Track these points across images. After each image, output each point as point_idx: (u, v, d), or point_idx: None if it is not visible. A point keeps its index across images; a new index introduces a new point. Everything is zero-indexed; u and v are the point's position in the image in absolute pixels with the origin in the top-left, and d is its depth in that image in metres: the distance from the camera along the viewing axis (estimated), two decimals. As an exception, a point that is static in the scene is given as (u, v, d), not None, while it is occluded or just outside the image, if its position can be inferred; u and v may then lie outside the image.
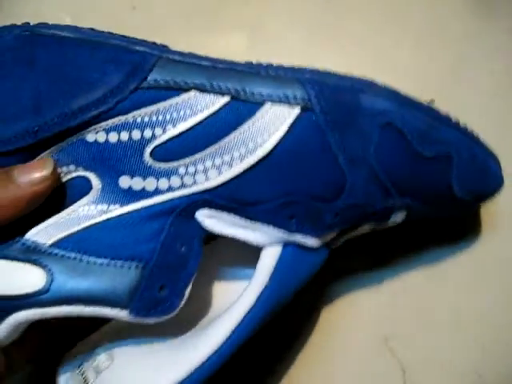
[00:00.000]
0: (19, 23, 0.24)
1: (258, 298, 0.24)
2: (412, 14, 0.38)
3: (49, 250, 0.23)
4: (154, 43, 0.24)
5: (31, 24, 0.24)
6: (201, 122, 0.23)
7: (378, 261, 0.32)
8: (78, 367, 0.25)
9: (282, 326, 0.30)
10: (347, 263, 0.32)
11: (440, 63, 0.37)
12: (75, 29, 0.24)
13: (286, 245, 0.25)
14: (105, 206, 0.24)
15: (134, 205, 0.24)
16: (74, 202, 0.24)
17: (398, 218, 0.27)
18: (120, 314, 0.23)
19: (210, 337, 0.24)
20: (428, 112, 0.25)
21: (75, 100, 0.22)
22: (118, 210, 0.24)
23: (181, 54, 0.24)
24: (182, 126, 0.23)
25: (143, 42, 0.24)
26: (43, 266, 0.22)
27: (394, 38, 0.38)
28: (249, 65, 0.24)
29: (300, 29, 0.38)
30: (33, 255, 0.23)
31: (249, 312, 0.24)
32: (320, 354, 0.31)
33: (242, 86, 0.23)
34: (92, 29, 0.24)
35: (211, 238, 0.26)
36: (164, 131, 0.23)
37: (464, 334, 0.31)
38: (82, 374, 0.24)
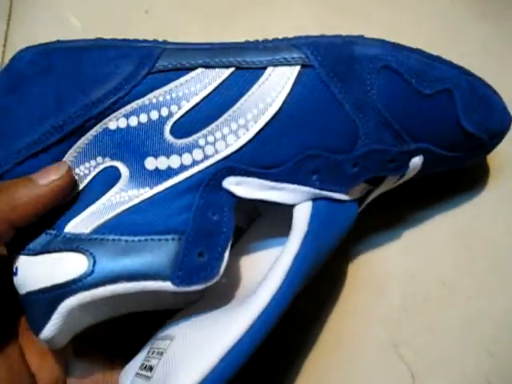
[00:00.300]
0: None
1: (298, 253, 0.24)
2: (422, 22, 0.38)
3: (88, 237, 0.23)
4: (155, 40, 0.26)
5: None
6: (211, 93, 0.25)
7: (385, 266, 0.32)
8: (140, 368, 0.25)
9: (291, 331, 0.30)
10: (355, 267, 0.32)
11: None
12: (84, 40, 0.26)
13: (316, 199, 0.26)
14: (135, 191, 0.25)
15: (162, 185, 0.25)
16: (106, 192, 0.25)
17: (416, 163, 0.28)
18: (164, 285, 0.23)
19: (258, 296, 0.23)
20: (419, 52, 0.27)
21: (93, 92, 0.24)
22: (148, 193, 0.25)
23: (182, 43, 0.26)
24: (195, 100, 0.25)
25: (146, 40, 0.26)
26: (84, 251, 0.23)
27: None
28: (247, 42, 0.27)
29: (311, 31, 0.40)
30: (73, 244, 0.23)
31: (292, 266, 0.24)
32: (329, 360, 0.30)
33: (243, 58, 0.25)
34: (99, 38, 0.26)
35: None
36: (179, 107, 0.25)
37: (474, 340, 0.31)
38: (147, 369, 0.24)
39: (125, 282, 0.23)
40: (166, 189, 0.25)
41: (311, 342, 0.31)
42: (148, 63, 0.25)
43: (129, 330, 0.29)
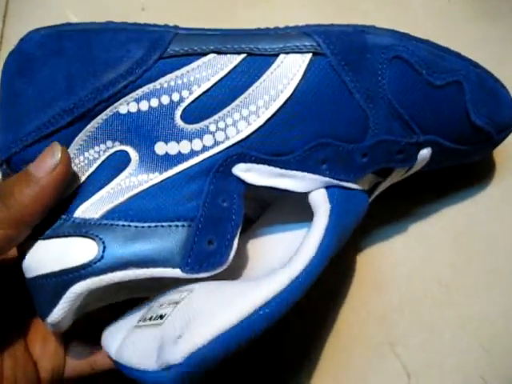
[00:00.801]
0: (35, 24, 0.26)
1: (324, 237, 0.23)
2: (419, 20, 0.39)
3: (98, 222, 0.23)
4: (167, 25, 0.26)
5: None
6: (223, 79, 0.25)
7: (382, 265, 0.33)
8: (141, 321, 0.24)
9: (286, 330, 0.30)
10: (352, 266, 0.33)
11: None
12: (95, 22, 0.26)
13: (328, 186, 0.26)
14: (145, 176, 0.24)
15: (172, 170, 0.25)
16: (116, 176, 0.24)
17: (425, 155, 0.28)
18: (173, 272, 0.23)
19: (298, 257, 0.22)
20: (429, 43, 0.27)
21: (104, 75, 0.24)
22: (157, 178, 0.24)
23: (194, 28, 0.26)
24: (207, 85, 0.25)
25: (157, 25, 0.26)
26: (94, 237, 0.23)
27: None
28: (258, 29, 0.26)
29: None
30: (83, 229, 0.23)
31: (318, 248, 0.23)
32: (325, 357, 0.31)
33: (255, 44, 0.25)
34: (110, 21, 0.26)
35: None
36: (190, 92, 0.24)
37: (470, 339, 0.31)
38: (154, 318, 0.23)
39: (134, 269, 0.23)
40: (176, 174, 0.24)
41: (307, 340, 0.31)
42: (159, 48, 0.25)
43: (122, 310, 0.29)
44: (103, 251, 0.23)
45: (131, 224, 0.23)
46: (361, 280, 0.32)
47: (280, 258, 0.25)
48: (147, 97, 0.24)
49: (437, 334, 0.31)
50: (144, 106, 0.24)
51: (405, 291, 0.32)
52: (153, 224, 0.23)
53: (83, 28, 0.25)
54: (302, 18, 0.38)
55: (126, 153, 0.25)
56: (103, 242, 0.23)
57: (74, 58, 0.24)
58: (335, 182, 0.26)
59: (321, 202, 0.25)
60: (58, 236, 0.23)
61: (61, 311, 0.23)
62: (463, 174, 0.34)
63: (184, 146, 0.25)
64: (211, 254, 0.23)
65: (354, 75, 0.25)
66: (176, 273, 0.23)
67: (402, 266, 0.32)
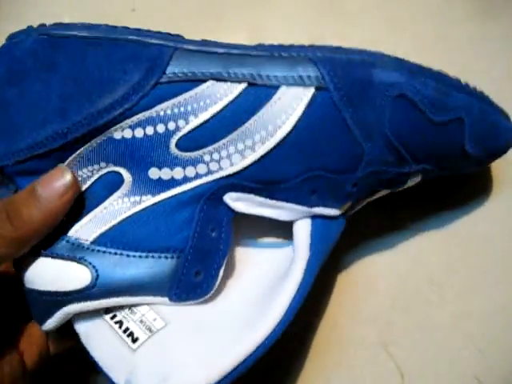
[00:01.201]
0: (27, 25, 0.24)
1: (305, 271, 0.25)
2: (410, 19, 0.38)
3: (91, 247, 0.24)
4: (169, 34, 0.25)
5: (47, 25, 0.24)
6: (221, 111, 0.24)
7: (373, 265, 0.33)
8: (106, 313, 0.25)
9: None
10: (344, 267, 0.33)
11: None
12: (90, 26, 0.24)
13: (314, 217, 0.26)
14: (137, 198, 0.25)
15: (165, 193, 0.25)
16: (109, 196, 0.25)
17: (414, 181, 0.29)
18: (161, 300, 0.25)
19: (268, 317, 0.24)
20: (438, 78, 0.26)
21: (100, 100, 0.23)
22: (150, 200, 0.25)
23: (195, 42, 0.25)
24: (204, 116, 0.24)
25: (158, 34, 0.25)
26: (88, 264, 0.24)
27: (392, 42, 0.38)
28: (261, 47, 0.25)
29: (300, 31, 0.39)
30: (77, 253, 0.24)
31: (300, 286, 0.25)
32: (318, 359, 0.31)
33: (257, 70, 0.24)
34: (106, 25, 0.25)
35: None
36: (187, 122, 0.24)
37: (463, 338, 0.31)
38: (116, 322, 0.25)
39: (125, 297, 0.24)
40: (168, 198, 0.25)
41: (300, 342, 0.31)
42: (157, 70, 0.24)
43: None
44: (96, 279, 0.24)
45: (123, 252, 0.24)
46: (353, 281, 0.33)
47: (257, 283, 0.27)
48: (142, 124, 0.24)
49: (430, 333, 0.31)
50: (139, 133, 0.24)
51: (397, 291, 0.32)
52: (144, 254, 0.24)
53: (78, 35, 0.24)
54: (292, 18, 0.39)
55: (119, 174, 0.25)
56: (96, 270, 0.24)
57: (68, 75, 0.24)
58: (320, 209, 0.26)
59: (302, 243, 0.26)
60: (54, 256, 0.24)
61: (55, 322, 0.25)
62: (456, 177, 0.34)
63: (177, 173, 0.25)
64: (198, 284, 0.25)
65: (354, 111, 0.25)
66: (164, 301, 0.25)
67: (394, 266, 0.33)
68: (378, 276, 0.33)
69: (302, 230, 0.26)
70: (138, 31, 0.25)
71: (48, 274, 0.24)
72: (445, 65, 0.34)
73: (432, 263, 0.33)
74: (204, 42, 0.25)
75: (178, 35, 0.25)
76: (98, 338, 0.25)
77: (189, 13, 0.39)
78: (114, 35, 0.24)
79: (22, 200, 0.23)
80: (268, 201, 0.26)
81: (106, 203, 0.25)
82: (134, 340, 0.24)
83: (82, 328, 0.25)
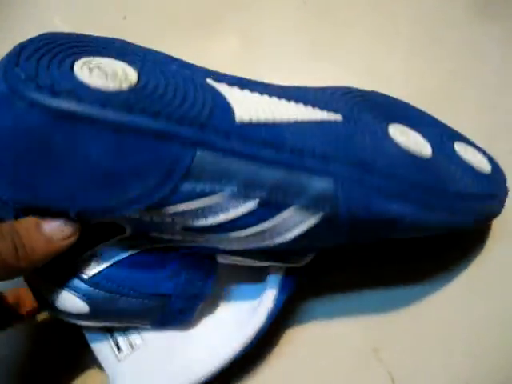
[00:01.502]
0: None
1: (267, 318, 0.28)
2: (404, 24, 0.39)
3: (88, 282, 0.25)
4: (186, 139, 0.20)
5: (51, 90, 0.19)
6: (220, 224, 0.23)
7: (364, 273, 0.32)
8: (108, 331, 0.28)
9: (269, 336, 0.29)
10: (333, 276, 0.32)
11: (434, 74, 0.37)
12: (103, 102, 0.19)
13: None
14: (133, 242, 0.25)
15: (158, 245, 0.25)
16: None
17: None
18: (144, 326, 0.28)
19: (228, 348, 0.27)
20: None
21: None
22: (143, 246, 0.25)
23: (224, 137, 0.21)
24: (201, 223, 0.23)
25: (175, 136, 0.20)
26: (85, 300, 0.25)
27: (387, 46, 0.38)
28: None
29: (293, 36, 0.39)
30: (75, 285, 0.25)
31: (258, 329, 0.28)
32: (309, 365, 0.30)
33: (278, 185, 0.22)
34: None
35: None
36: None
37: (454, 344, 0.30)
38: (114, 341, 0.28)
39: (116, 322, 0.27)
40: (159, 248, 0.25)
41: (290, 346, 0.31)
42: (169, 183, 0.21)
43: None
44: (89, 311, 0.25)
45: (117, 293, 0.25)
46: (343, 283, 0.32)
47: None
48: None
49: (421, 338, 0.31)
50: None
51: (387, 297, 0.31)
52: (135, 294, 0.26)
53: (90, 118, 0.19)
54: (290, 22, 0.40)
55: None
56: (90, 304, 0.25)
57: (79, 173, 0.20)
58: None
59: (269, 297, 0.28)
60: (54, 284, 0.25)
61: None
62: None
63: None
64: (179, 319, 0.27)
65: (353, 233, 0.25)
66: (147, 327, 0.28)
67: (385, 270, 0.32)
68: (369, 280, 0.32)
69: (271, 291, 0.28)
70: (160, 116, 0.20)
71: (53, 297, 0.25)
72: (440, 69, 0.34)
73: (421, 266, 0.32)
74: (235, 133, 0.21)
75: (202, 124, 0.20)
76: (97, 337, 0.28)
77: (180, 20, 0.40)
78: (123, 119, 0.19)
79: (27, 234, 0.22)
80: (249, 260, 0.27)
81: (108, 243, 0.25)
82: (119, 350, 0.28)
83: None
